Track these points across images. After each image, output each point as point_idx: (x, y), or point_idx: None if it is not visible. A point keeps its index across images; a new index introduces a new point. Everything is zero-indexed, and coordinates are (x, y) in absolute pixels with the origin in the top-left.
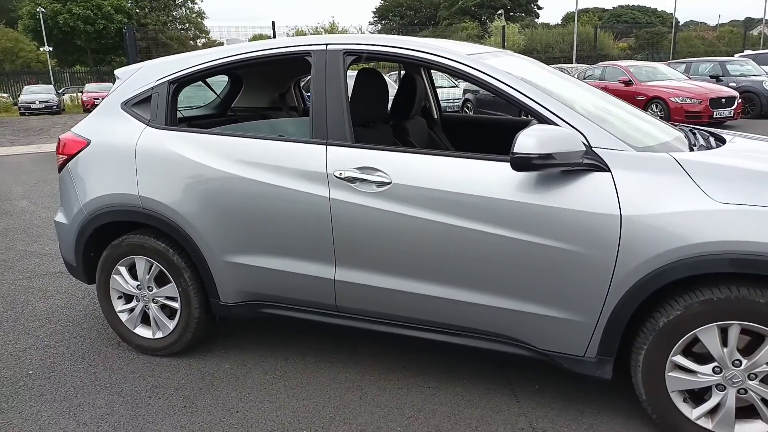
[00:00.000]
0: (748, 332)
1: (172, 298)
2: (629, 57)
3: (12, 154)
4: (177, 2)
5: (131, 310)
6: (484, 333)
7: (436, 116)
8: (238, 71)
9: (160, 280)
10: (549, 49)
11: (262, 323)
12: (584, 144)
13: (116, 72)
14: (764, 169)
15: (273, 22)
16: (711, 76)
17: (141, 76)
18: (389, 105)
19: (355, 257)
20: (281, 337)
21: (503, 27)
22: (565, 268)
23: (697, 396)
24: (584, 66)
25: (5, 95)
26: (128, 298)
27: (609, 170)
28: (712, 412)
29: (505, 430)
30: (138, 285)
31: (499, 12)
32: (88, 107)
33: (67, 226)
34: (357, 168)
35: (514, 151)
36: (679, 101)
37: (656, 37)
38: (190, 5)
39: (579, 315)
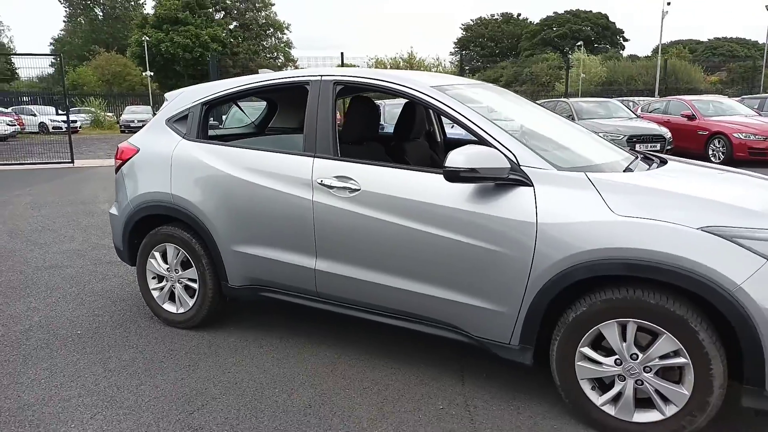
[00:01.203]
0: (645, 329)
1: (193, 280)
2: (719, 92)
3: (106, 165)
4: (267, 33)
5: (161, 288)
6: (433, 320)
7: (439, 139)
8: (268, 96)
9: (185, 265)
10: (631, 81)
11: (267, 309)
12: (513, 162)
13: (166, 95)
14: (668, 189)
15: (342, 53)
16: None
17: (182, 98)
18: (380, 127)
19: (330, 251)
20: (281, 321)
21: (581, 59)
22: (493, 266)
23: (605, 385)
24: (650, 99)
25: (110, 114)
26: (160, 278)
27: (532, 185)
28: (615, 400)
29: (442, 404)
30: (167, 268)
31: (579, 43)
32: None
33: (117, 218)
34: (335, 177)
35: (446, 165)
36: (743, 137)
37: (750, 71)
38: (279, 35)
39: (504, 307)
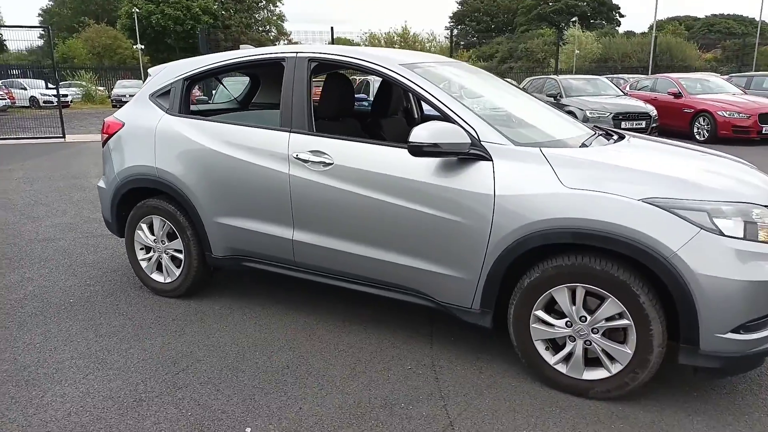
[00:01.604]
0: (593, 294)
1: (179, 251)
2: (714, 69)
3: (97, 141)
4: (259, 5)
5: (149, 259)
6: (402, 287)
7: (417, 116)
8: (250, 72)
9: (171, 236)
10: (626, 58)
11: (251, 278)
12: (474, 138)
13: (149, 70)
14: (616, 163)
15: (332, 28)
16: None
17: (165, 73)
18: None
19: (306, 222)
20: (264, 290)
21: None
22: (455, 235)
23: (557, 345)
24: (639, 77)
25: (102, 89)
26: (147, 249)
27: (491, 159)
28: (566, 359)
29: (410, 364)
30: (154, 239)
31: (573, 19)
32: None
33: (105, 191)
34: (310, 151)
35: (410, 140)
36: (727, 115)
37: (746, 48)
38: (272, 9)
39: (465, 273)
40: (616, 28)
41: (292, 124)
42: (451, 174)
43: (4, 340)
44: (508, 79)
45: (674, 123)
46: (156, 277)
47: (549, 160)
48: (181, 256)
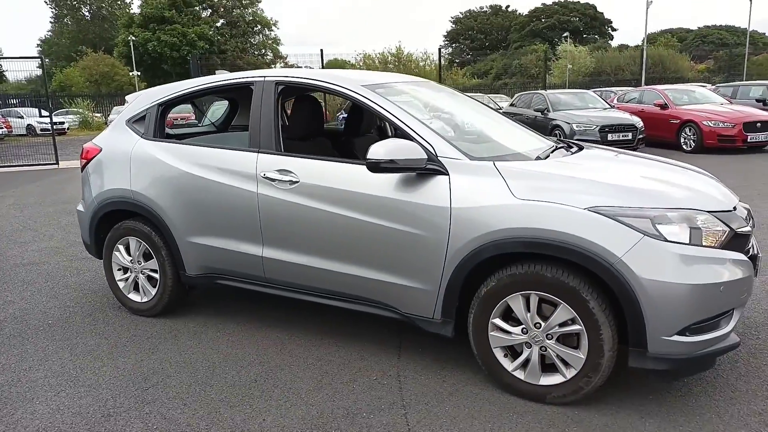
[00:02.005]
0: (546, 301)
1: (154, 270)
2: (707, 79)
3: None
4: (255, 30)
5: (126, 279)
6: (367, 300)
7: (390, 134)
8: (227, 96)
9: (147, 256)
10: (619, 71)
11: (227, 297)
12: (431, 153)
13: (126, 97)
14: (567, 174)
15: (321, 50)
16: (757, 100)
17: (140, 100)
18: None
19: (275, 239)
20: (239, 307)
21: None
22: (415, 247)
23: (515, 352)
24: (627, 89)
25: (98, 115)
26: (125, 270)
27: (448, 174)
28: (524, 366)
29: (375, 375)
30: (131, 260)
31: (565, 35)
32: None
33: (84, 214)
34: (277, 170)
35: (367, 157)
36: (712, 125)
37: (736, 58)
38: (267, 32)
39: (426, 284)
40: (609, 42)
41: (260, 144)
42: (411, 189)
43: None
44: (495, 95)
45: (661, 134)
46: (133, 296)
47: (501, 173)
48: (156, 275)
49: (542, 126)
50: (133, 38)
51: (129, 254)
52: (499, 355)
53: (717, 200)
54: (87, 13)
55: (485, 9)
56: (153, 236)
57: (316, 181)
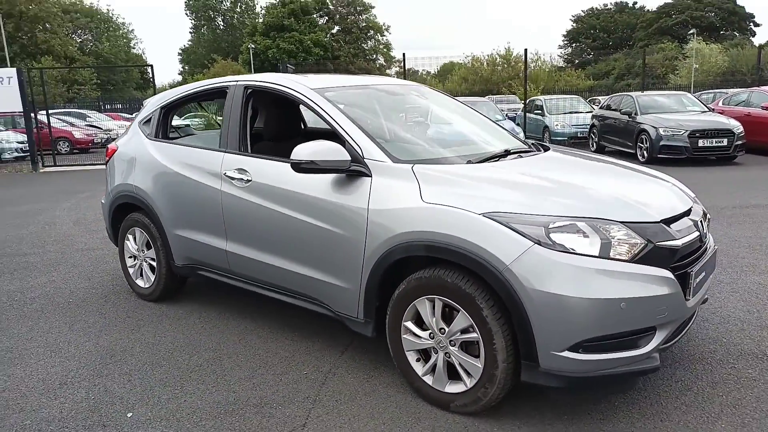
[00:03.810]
0: (450, 306)
1: (153, 259)
2: None
3: None
4: (368, 35)
5: (135, 266)
6: (307, 296)
7: None
8: (202, 100)
9: (148, 246)
10: (760, 70)
11: (225, 289)
12: (358, 155)
13: (143, 101)
14: (485, 179)
15: (404, 54)
16: None
17: (150, 104)
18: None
19: (234, 233)
20: (229, 300)
21: (696, 49)
22: (339, 247)
23: (428, 357)
24: (735, 90)
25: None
26: (133, 257)
27: (371, 176)
28: (433, 371)
29: (307, 370)
30: (137, 249)
31: (691, 31)
32: None
33: (104, 206)
34: (236, 169)
35: (291, 158)
36: None
37: None
38: (379, 38)
39: (350, 284)
40: (750, 38)
41: (227, 145)
42: (340, 189)
43: (0, 331)
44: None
45: (765, 140)
46: (139, 282)
47: (417, 176)
48: (154, 263)
49: (628, 130)
50: (253, 46)
51: (136, 243)
52: (411, 358)
53: (641, 211)
54: (221, 23)
55: (609, 6)
56: (151, 228)
57: (265, 180)
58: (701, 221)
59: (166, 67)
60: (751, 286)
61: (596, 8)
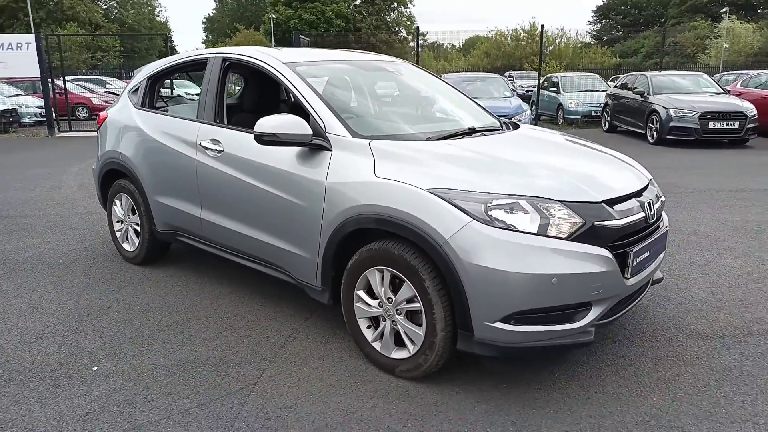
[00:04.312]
0: (397, 277)
1: (137, 224)
2: None
3: None
4: (391, 7)
5: (122, 230)
6: (272, 264)
7: None
8: (185, 71)
9: (133, 211)
10: None
11: (199, 257)
12: (321, 129)
13: (134, 72)
14: (438, 156)
15: (417, 28)
16: None
17: (139, 74)
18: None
19: (207, 201)
20: (209, 264)
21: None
22: (301, 217)
23: (377, 324)
24: (756, 72)
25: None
26: (121, 222)
27: (331, 149)
28: (381, 337)
29: (269, 333)
30: (124, 213)
31: (724, 10)
32: None
33: (95, 171)
34: (210, 139)
35: (254, 129)
36: None
37: None
38: (402, 10)
39: (309, 253)
40: None
41: (204, 115)
42: (304, 162)
43: None
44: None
45: None
46: (125, 246)
47: (374, 151)
48: (139, 228)
49: (640, 110)
50: (274, 16)
51: (122, 209)
52: (363, 325)
53: (582, 191)
54: None
55: None
56: (135, 194)
57: (235, 151)
58: (650, 202)
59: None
60: (723, 269)
61: None
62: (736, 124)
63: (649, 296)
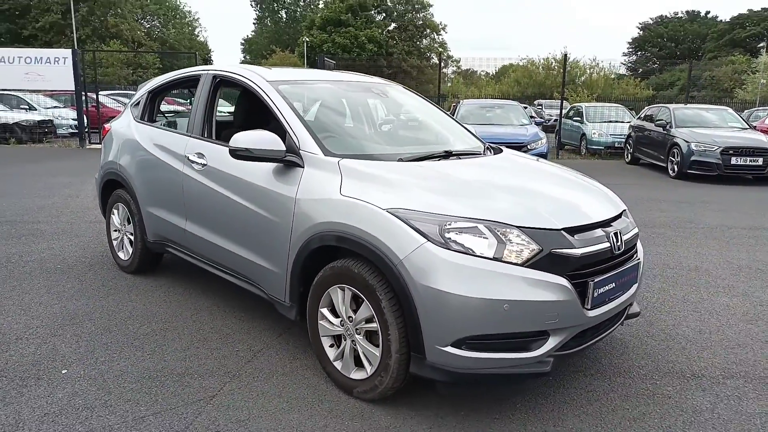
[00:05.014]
0: (357, 297)
1: (132, 234)
2: None
3: None
4: (423, 34)
5: (117, 239)
6: (246, 278)
7: None
8: (182, 87)
9: (128, 221)
10: None
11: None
12: (295, 146)
13: (139, 86)
14: (406, 177)
15: (440, 52)
16: None
17: (142, 89)
18: None
19: (192, 213)
20: (197, 276)
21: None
22: (272, 232)
23: (340, 342)
24: None
25: None
26: (117, 231)
27: (303, 167)
28: (342, 356)
29: (239, 347)
30: (120, 222)
31: (762, 45)
32: None
33: (97, 180)
34: (196, 153)
35: (229, 144)
36: None
37: None
38: (435, 36)
39: (278, 268)
40: None
41: (193, 129)
42: (278, 178)
43: None
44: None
45: None
46: (120, 255)
47: (342, 170)
48: (133, 238)
49: (661, 143)
50: (307, 39)
51: (119, 218)
52: (326, 343)
53: (542, 218)
54: (284, 15)
55: (680, 15)
56: (131, 204)
57: (217, 165)
58: (618, 233)
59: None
60: (717, 308)
61: (666, 16)
62: (760, 161)
63: (632, 331)
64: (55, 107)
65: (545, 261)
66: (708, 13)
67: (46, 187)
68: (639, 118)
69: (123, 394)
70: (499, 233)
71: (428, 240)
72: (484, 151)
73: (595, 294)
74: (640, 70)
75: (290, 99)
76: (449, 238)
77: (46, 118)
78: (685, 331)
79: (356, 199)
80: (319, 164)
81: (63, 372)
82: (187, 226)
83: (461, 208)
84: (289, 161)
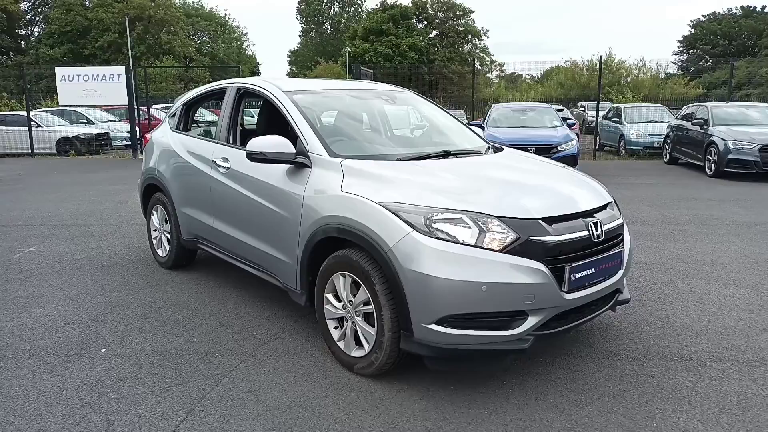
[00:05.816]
0: (356, 282)
1: (168, 232)
2: None
3: None
4: (465, 40)
5: (156, 238)
6: (265, 269)
7: None
8: (212, 99)
9: (166, 221)
10: None
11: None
12: (305, 149)
13: (175, 99)
14: (401, 175)
15: (474, 59)
16: None
17: (178, 101)
18: None
19: (218, 212)
20: (227, 272)
21: None
22: (284, 227)
23: (342, 324)
24: None
25: None
26: (156, 230)
27: (311, 167)
28: (344, 337)
29: (257, 330)
30: (159, 223)
31: None
32: None
33: (139, 186)
34: (221, 158)
35: (246, 148)
36: None
37: None
38: (476, 42)
39: (291, 258)
40: None
41: (220, 137)
42: (290, 178)
43: (40, 282)
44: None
45: None
46: (159, 252)
47: (344, 169)
48: (170, 237)
49: (699, 142)
50: (349, 50)
51: (158, 219)
52: (330, 325)
53: (521, 208)
54: (328, 27)
55: (734, 11)
56: (167, 205)
57: (239, 168)
58: (598, 223)
59: (276, 68)
60: (722, 298)
61: (718, 12)
62: None
63: (630, 319)
64: (110, 121)
65: (523, 247)
66: (765, 7)
67: (99, 194)
68: (678, 117)
69: (152, 369)
70: (480, 223)
71: (414, 229)
72: (485, 151)
73: (572, 278)
74: (692, 68)
75: (302, 106)
76: (435, 228)
77: (103, 131)
78: (683, 320)
79: (354, 195)
80: (324, 164)
81: (102, 351)
82: (215, 223)
83: (448, 200)
84: (298, 162)
